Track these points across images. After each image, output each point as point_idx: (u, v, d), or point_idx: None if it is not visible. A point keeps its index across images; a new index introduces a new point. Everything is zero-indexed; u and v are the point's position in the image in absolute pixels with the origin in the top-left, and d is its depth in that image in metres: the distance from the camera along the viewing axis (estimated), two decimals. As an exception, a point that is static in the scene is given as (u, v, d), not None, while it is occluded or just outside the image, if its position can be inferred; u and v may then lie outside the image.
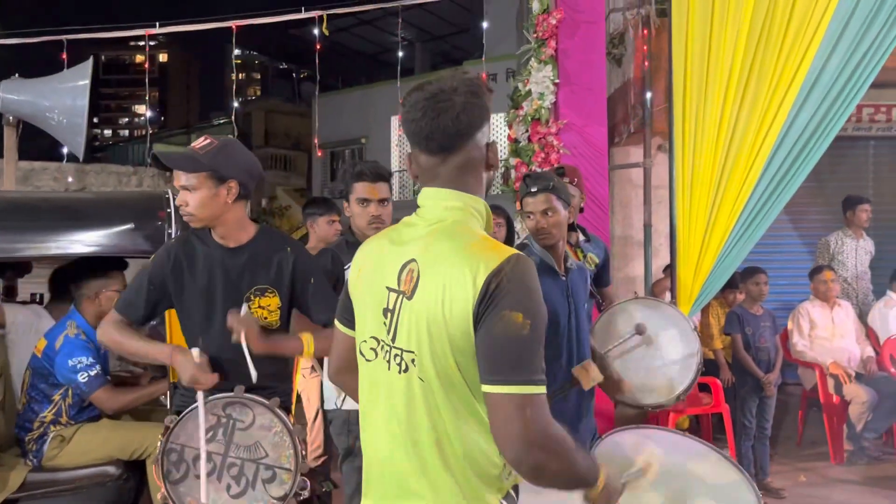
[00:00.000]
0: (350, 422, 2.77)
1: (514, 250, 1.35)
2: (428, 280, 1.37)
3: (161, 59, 59.85)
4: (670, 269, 4.57)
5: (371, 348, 1.47)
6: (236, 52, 7.55)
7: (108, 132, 63.13)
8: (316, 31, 6.39)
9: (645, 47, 5.57)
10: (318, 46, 5.82)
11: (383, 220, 2.87)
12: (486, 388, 1.31)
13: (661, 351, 3.17)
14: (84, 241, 2.85)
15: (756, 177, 4.53)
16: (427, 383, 1.37)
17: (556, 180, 2.76)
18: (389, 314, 1.42)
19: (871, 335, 5.68)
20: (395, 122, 20.41)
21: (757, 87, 4.51)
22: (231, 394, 2.21)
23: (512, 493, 1.44)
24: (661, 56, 5.20)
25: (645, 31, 5.59)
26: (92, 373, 3.07)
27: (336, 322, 1.64)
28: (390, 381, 1.42)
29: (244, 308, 2.22)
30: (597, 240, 3.80)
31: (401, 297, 1.40)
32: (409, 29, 19.76)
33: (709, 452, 2.35)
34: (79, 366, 3.05)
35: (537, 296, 1.33)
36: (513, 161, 5.52)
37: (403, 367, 1.39)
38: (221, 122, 27.78)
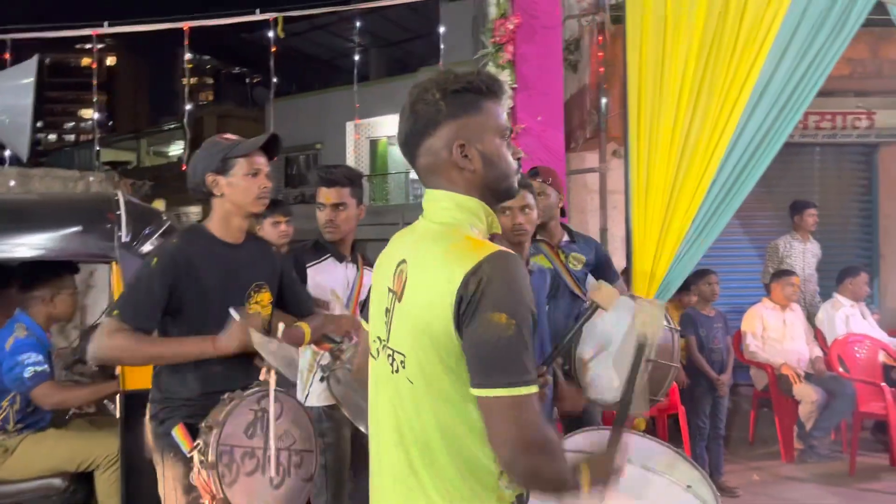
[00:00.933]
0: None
1: (496, 247, 1.31)
2: (414, 282, 1.36)
3: (109, 63, 58.51)
4: (626, 273, 4.61)
5: (376, 348, 1.49)
6: (188, 55, 7.39)
7: (52, 137, 61.38)
8: (271, 34, 6.31)
9: (600, 53, 5.63)
10: (274, 49, 5.75)
11: (337, 225, 2.90)
12: (477, 391, 1.28)
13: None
14: (31, 245, 2.73)
15: (709, 182, 4.59)
16: (415, 385, 1.36)
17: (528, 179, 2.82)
18: (388, 314, 1.43)
19: (818, 336, 5.83)
20: (350, 127, 20.33)
21: (709, 94, 4.58)
22: (261, 388, 2.22)
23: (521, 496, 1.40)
24: (615, 62, 5.26)
25: (600, 38, 5.66)
26: (39, 368, 2.97)
27: (363, 321, 1.69)
28: (387, 380, 1.43)
29: (235, 313, 2.22)
30: (587, 239, 3.75)
31: (394, 298, 1.41)
32: (364, 34, 19.69)
33: (666, 452, 2.37)
34: (28, 360, 2.96)
35: (521, 292, 1.28)
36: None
37: (395, 367, 1.40)
38: (172, 126, 27.28)
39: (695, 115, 4.59)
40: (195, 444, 2.11)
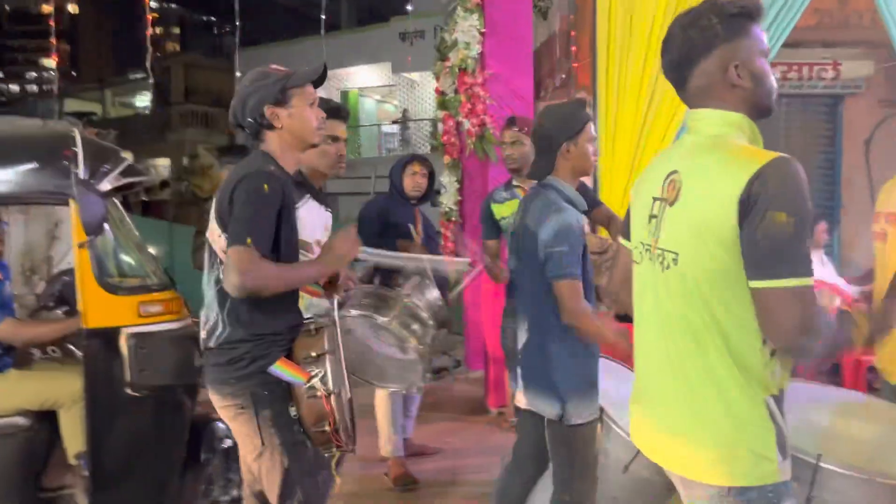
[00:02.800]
0: None
1: (776, 154, 1.42)
2: (690, 186, 1.50)
3: (71, 10, 56.59)
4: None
5: (639, 252, 1.66)
6: (153, 3, 7.15)
7: (15, 87, 59.54)
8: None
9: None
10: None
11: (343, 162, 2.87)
12: (757, 283, 1.39)
13: None
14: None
15: (676, 127, 4.65)
16: (687, 279, 1.50)
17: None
18: (654, 220, 1.59)
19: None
20: (321, 78, 19.98)
21: (677, 41, 4.61)
22: (328, 315, 2.30)
23: (778, 395, 1.49)
24: (585, 10, 5.23)
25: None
26: None
27: (620, 238, 1.84)
28: (655, 280, 1.59)
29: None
30: None
31: (664, 204, 1.56)
32: (335, -18, 19.26)
33: None
34: None
35: (801, 195, 1.39)
36: (440, 114, 5.49)
37: (666, 265, 1.54)
38: (138, 77, 26.63)
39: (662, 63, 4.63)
40: (313, 373, 2.09)
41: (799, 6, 4.59)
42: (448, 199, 5.49)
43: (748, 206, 1.38)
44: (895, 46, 4.65)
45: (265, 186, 2.03)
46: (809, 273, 1.37)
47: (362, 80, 19.98)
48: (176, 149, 22.87)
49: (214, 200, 2.17)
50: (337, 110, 2.83)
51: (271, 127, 2.17)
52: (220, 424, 3.13)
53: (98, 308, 2.72)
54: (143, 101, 28.50)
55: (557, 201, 2.39)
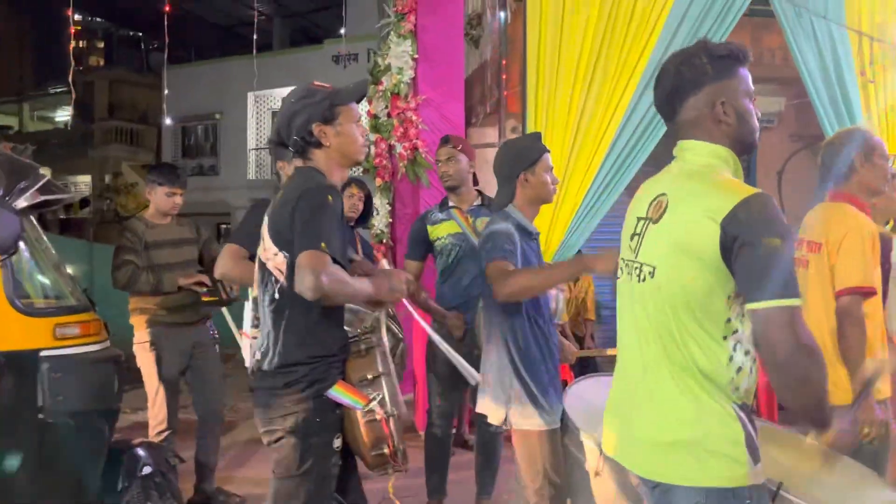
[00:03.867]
0: None
1: (755, 189, 1.54)
2: (677, 208, 1.60)
3: (-12, 20, 54.27)
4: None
5: (621, 269, 1.78)
6: (77, 16, 6.94)
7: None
8: (166, -6, 6.04)
9: (502, 30, 5.71)
10: (168, 7, 5.50)
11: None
12: (751, 305, 1.48)
13: None
14: None
15: (601, 158, 4.80)
16: (662, 290, 1.60)
17: None
18: (636, 237, 1.71)
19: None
20: (251, 98, 19.76)
21: (603, 75, 4.78)
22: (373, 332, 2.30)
23: (747, 404, 1.57)
24: (516, 39, 5.36)
25: (501, 14, 5.74)
26: None
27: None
28: (631, 290, 1.71)
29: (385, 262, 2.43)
30: None
31: (647, 222, 1.67)
32: (268, 3, 19.15)
33: None
34: None
35: (784, 223, 1.51)
36: (373, 137, 5.52)
37: (642, 277, 1.66)
38: (59, 90, 25.71)
39: (589, 95, 4.78)
40: (371, 396, 2.08)
41: (719, 40, 4.82)
42: (380, 222, 5.50)
43: (731, 233, 1.48)
44: (805, 83, 4.95)
45: (329, 198, 2.04)
46: (799, 296, 1.48)
47: (294, 101, 19.82)
48: (98, 166, 22.12)
49: (268, 218, 2.16)
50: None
51: (319, 145, 2.16)
52: (140, 451, 3.04)
53: (11, 330, 2.62)
54: (64, 115, 27.49)
55: (499, 221, 2.56)
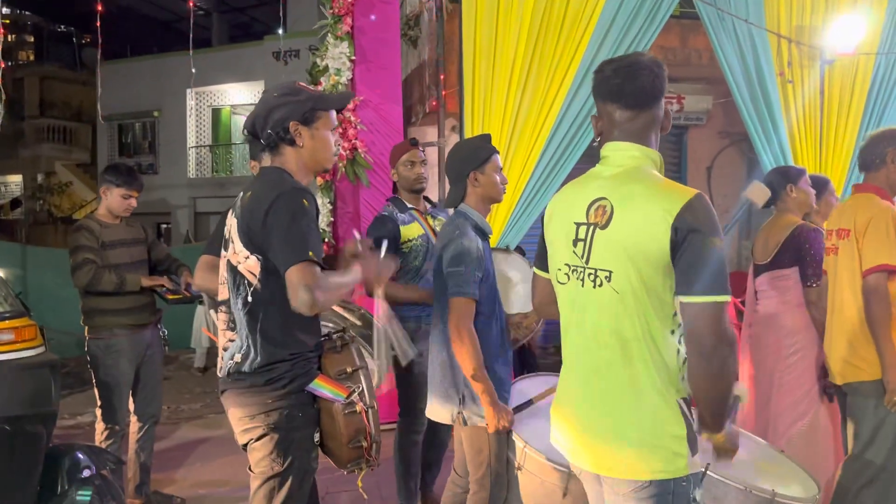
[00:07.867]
0: None
1: (695, 190, 1.65)
2: (624, 212, 1.67)
3: None
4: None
5: (565, 273, 1.81)
6: (5, 10, 6.73)
7: None
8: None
9: (438, 30, 5.80)
10: (100, 3, 5.40)
11: None
12: (687, 298, 1.60)
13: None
14: None
15: (537, 156, 4.94)
16: (620, 294, 1.67)
17: None
18: (581, 243, 1.75)
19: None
20: (190, 94, 19.39)
21: (538, 73, 4.91)
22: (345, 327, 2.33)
23: (687, 398, 1.69)
24: (453, 40, 5.45)
25: (436, 15, 5.82)
26: None
27: (534, 269, 2.03)
28: (584, 297, 1.75)
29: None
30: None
31: (593, 227, 1.72)
32: (206, -2, 18.83)
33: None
34: None
35: (719, 223, 1.62)
36: (312, 136, 5.53)
37: (598, 283, 1.71)
38: (-13, 87, 24.71)
39: (525, 94, 4.92)
40: (351, 389, 2.11)
41: (647, 42, 5.02)
42: (321, 221, 5.53)
43: (681, 232, 1.59)
44: (729, 83, 5.18)
45: (304, 202, 2.03)
46: (729, 291, 1.60)
47: (235, 97, 19.58)
48: (30, 165, 21.38)
49: (238, 221, 2.12)
50: None
51: (292, 143, 2.15)
52: (80, 455, 3.04)
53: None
54: (-7, 113, 26.47)
55: (463, 227, 2.60)
